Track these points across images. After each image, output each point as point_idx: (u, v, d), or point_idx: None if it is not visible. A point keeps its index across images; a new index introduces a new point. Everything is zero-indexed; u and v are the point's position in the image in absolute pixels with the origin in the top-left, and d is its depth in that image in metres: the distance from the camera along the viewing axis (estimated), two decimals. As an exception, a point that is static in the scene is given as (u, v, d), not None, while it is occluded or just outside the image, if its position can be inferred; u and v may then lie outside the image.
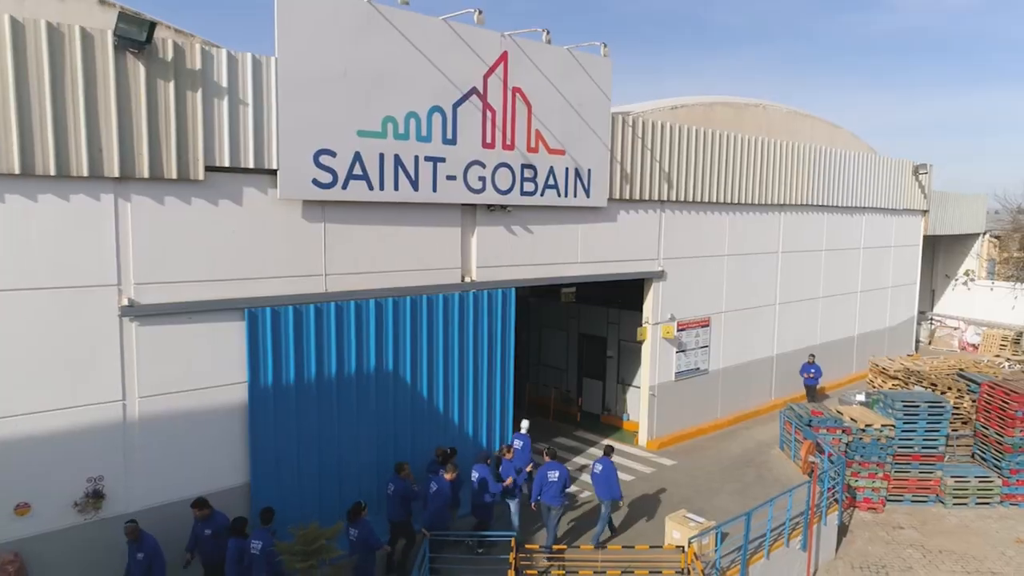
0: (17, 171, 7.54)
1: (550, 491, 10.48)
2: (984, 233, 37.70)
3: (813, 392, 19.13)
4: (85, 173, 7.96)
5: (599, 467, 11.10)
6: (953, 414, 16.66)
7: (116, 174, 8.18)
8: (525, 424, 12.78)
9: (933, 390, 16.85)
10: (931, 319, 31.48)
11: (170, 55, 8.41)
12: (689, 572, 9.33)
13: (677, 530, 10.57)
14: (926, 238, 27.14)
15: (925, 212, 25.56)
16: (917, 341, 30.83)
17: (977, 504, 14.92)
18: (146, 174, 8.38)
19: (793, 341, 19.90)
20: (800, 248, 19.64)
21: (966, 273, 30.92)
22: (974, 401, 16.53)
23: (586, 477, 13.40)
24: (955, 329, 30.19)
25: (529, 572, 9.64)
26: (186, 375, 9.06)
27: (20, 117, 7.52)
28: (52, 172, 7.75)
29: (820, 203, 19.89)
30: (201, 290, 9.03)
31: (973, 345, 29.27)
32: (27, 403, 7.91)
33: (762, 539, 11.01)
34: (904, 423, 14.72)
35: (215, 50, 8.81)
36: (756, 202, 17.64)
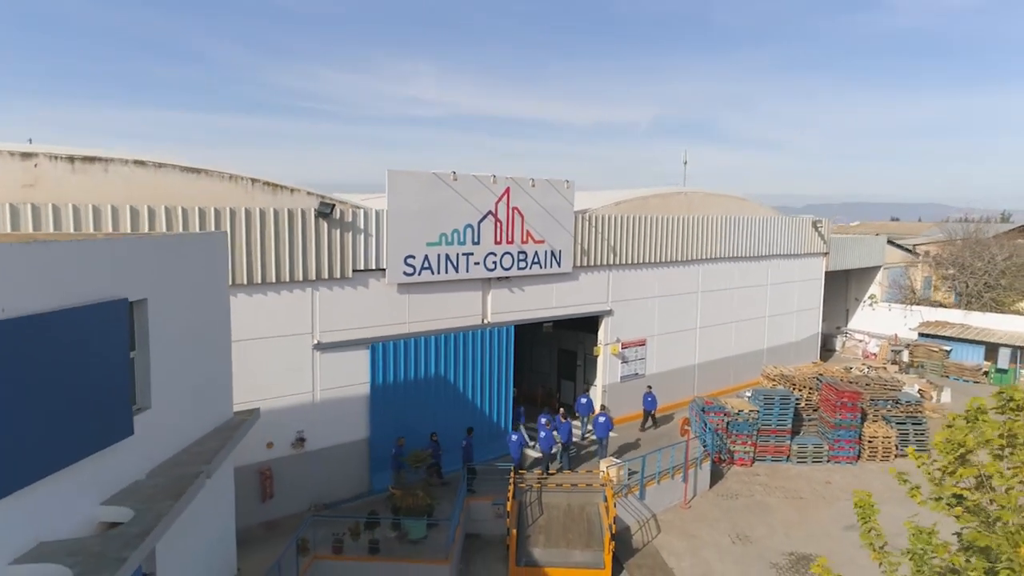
0: (274, 280, 15.66)
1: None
2: (919, 255, 46.00)
3: (651, 416, 23.91)
4: (300, 279, 16.08)
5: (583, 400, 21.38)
6: (807, 403, 24.85)
7: (313, 278, 16.30)
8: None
9: (794, 389, 24.97)
10: (844, 333, 39.63)
11: (339, 215, 16.53)
12: (605, 485, 17.43)
13: (605, 466, 18.69)
14: (835, 272, 35.28)
15: (825, 254, 33.63)
16: (832, 351, 39.06)
17: (813, 462, 23.00)
18: (326, 276, 16.50)
19: (712, 353, 28.03)
20: (716, 288, 27.75)
21: (870, 297, 38.99)
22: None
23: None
24: (860, 341, 38.32)
25: (521, 485, 17.74)
26: (340, 379, 17.17)
27: (279, 252, 15.62)
28: (287, 279, 15.87)
29: (731, 255, 28.01)
30: (348, 335, 17.15)
31: (873, 354, 37.35)
32: (274, 391, 15.99)
33: (654, 474, 19.11)
34: (764, 409, 22.85)
35: (358, 209, 16.94)
36: (679, 259, 25.76)
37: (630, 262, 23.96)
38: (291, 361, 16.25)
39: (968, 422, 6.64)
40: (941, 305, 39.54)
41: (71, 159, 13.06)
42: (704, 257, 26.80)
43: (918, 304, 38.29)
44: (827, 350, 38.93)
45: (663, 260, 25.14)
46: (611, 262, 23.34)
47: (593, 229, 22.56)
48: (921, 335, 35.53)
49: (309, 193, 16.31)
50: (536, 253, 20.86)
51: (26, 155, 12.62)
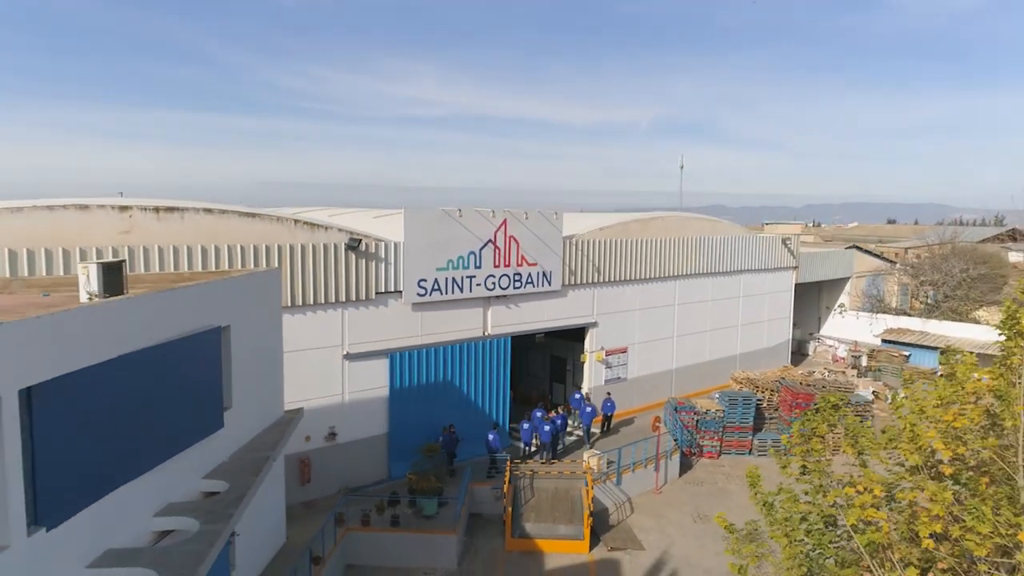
0: (312, 302, 19.01)
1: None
2: (894, 263, 49.26)
3: (610, 420, 26.59)
4: (332, 300, 19.43)
5: (577, 395, 24.09)
6: (769, 404, 28.18)
7: (343, 299, 19.66)
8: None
9: (757, 391, 28.30)
10: (817, 339, 42.94)
11: (364, 247, 19.89)
12: (586, 472, 20.77)
13: (587, 456, 22.03)
14: (808, 283, 38.60)
15: (795, 268, 36.94)
16: (806, 355, 42.39)
17: (772, 455, 26.31)
18: (354, 298, 19.86)
19: (688, 359, 31.36)
20: (692, 301, 31.08)
21: (840, 305, 42.30)
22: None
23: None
24: (830, 347, 41.65)
25: (516, 473, 21.07)
26: (364, 383, 20.52)
27: (316, 279, 18.98)
28: (323, 301, 19.23)
29: (705, 272, 31.35)
30: (371, 346, 20.50)
31: (842, 358, 40.63)
32: (311, 393, 19.30)
33: (630, 464, 22.44)
34: (729, 409, 26.19)
35: (380, 242, 20.29)
36: (657, 276, 29.11)
37: (613, 279, 27.32)
38: (325, 369, 19.62)
39: (806, 416, 9.98)
40: (906, 313, 42.85)
41: (156, 209, 16.42)
42: (680, 274, 30.15)
43: (883, 312, 41.60)
44: (801, 354, 42.29)
45: (642, 277, 28.50)
46: (595, 280, 26.70)
47: (579, 252, 25.92)
48: (884, 341, 38.84)
49: (340, 230, 19.66)
50: (530, 274, 24.21)
51: (123, 208, 15.98)
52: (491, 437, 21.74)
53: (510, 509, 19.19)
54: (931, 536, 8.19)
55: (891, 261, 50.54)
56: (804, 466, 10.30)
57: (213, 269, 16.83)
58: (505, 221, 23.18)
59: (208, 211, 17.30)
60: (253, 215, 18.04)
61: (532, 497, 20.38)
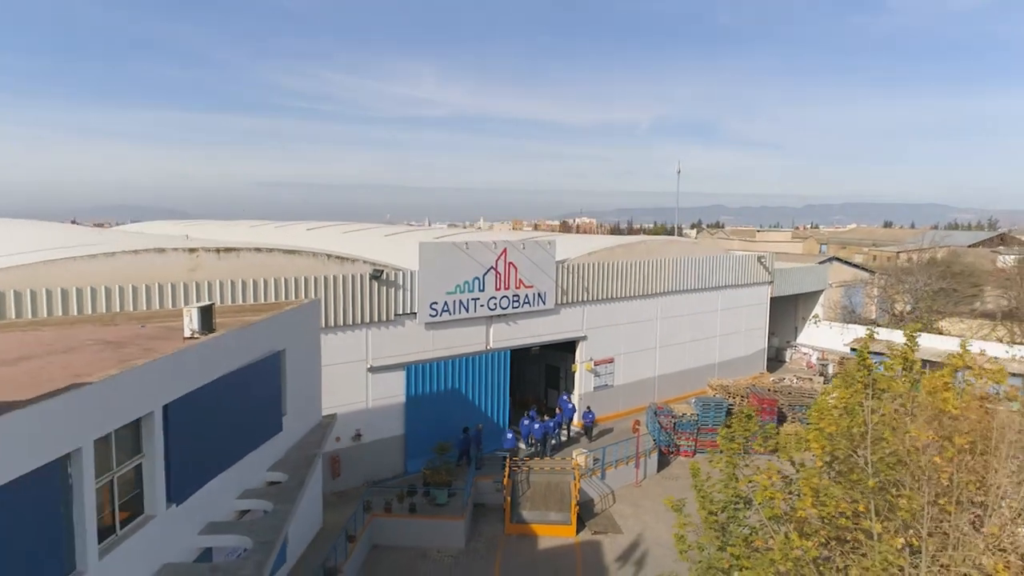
0: (345, 323, 22.46)
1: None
2: (873, 272, 52.60)
3: (590, 430, 29.27)
4: (359, 322, 22.89)
5: (564, 397, 27.41)
6: (739, 408, 31.59)
7: (367, 321, 23.12)
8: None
9: (729, 396, 31.76)
10: (793, 347, 46.39)
11: (385, 277, 23.34)
12: (575, 468, 24.25)
13: (576, 454, 25.51)
14: (780, 297, 42.05)
15: (770, 283, 40.40)
16: (783, 362, 45.85)
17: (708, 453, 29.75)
18: (377, 319, 23.33)
19: (670, 367, 34.83)
20: (673, 315, 34.55)
21: (814, 316, 45.75)
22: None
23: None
24: (805, 354, 45.10)
25: (515, 468, 24.53)
26: (384, 391, 23.99)
27: (344, 304, 22.43)
28: (350, 323, 22.69)
29: (686, 288, 34.82)
30: (390, 360, 23.97)
31: (815, 365, 44.05)
32: (341, 400, 22.68)
33: (613, 461, 25.90)
34: (702, 413, 29.66)
35: (398, 271, 23.76)
36: (641, 294, 32.58)
37: (601, 298, 30.80)
38: (352, 379, 23.09)
39: (729, 424, 13.46)
40: (875, 323, 46.28)
41: (217, 250, 19.90)
42: (662, 291, 33.63)
43: (854, 323, 45.06)
44: (779, 361, 45.73)
45: (627, 295, 31.98)
46: (585, 299, 30.18)
47: (571, 274, 29.41)
48: (853, 350, 42.23)
49: (364, 262, 23.14)
50: (527, 295, 27.69)
51: (191, 250, 19.46)
52: (509, 435, 25.45)
53: (509, 499, 22.67)
54: (822, 518, 11.67)
55: (869, 271, 53.95)
56: (728, 461, 13.82)
57: (263, 300, 20.28)
58: (505, 250, 26.65)
59: (258, 250, 20.78)
60: (294, 252, 21.51)
61: (528, 489, 23.86)
